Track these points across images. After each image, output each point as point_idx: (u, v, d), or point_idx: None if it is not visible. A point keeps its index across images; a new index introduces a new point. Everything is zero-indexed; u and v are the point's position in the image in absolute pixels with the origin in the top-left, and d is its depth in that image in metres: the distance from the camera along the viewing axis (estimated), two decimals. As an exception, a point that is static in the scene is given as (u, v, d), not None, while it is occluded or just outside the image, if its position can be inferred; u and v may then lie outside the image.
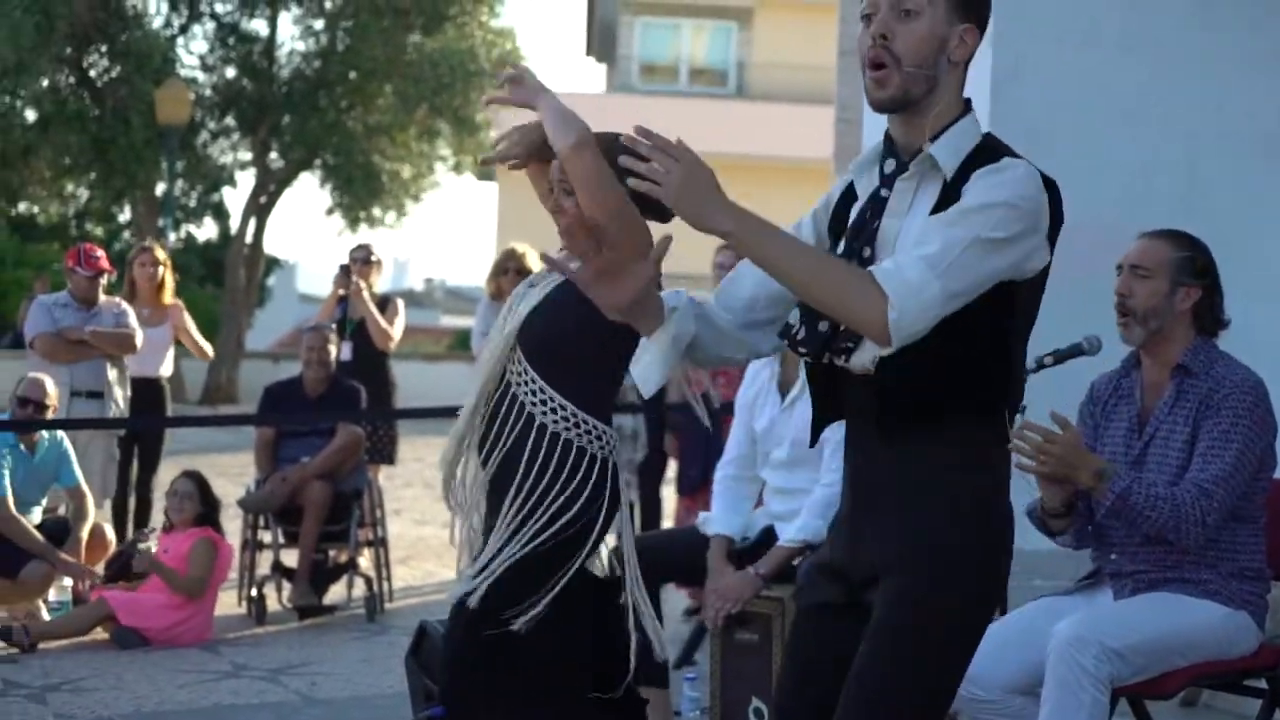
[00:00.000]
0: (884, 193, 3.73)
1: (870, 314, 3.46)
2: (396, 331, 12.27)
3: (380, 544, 10.63)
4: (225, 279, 30.10)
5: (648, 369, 3.93)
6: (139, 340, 10.89)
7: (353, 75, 28.18)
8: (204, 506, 9.77)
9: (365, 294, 12.11)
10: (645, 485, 10.77)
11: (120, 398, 10.85)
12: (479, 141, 28.78)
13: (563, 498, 4.86)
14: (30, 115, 27.69)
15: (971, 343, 3.63)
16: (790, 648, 3.99)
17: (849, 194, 3.89)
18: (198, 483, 9.88)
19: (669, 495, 11.13)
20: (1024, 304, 3.70)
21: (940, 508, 3.67)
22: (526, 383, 4.93)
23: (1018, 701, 5.25)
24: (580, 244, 3.77)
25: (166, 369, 11.69)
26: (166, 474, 10.96)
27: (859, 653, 3.69)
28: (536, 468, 4.89)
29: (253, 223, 29.97)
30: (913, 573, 3.67)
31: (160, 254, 11.85)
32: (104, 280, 10.92)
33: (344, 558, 10.56)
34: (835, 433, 5.71)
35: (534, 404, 4.92)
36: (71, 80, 27.80)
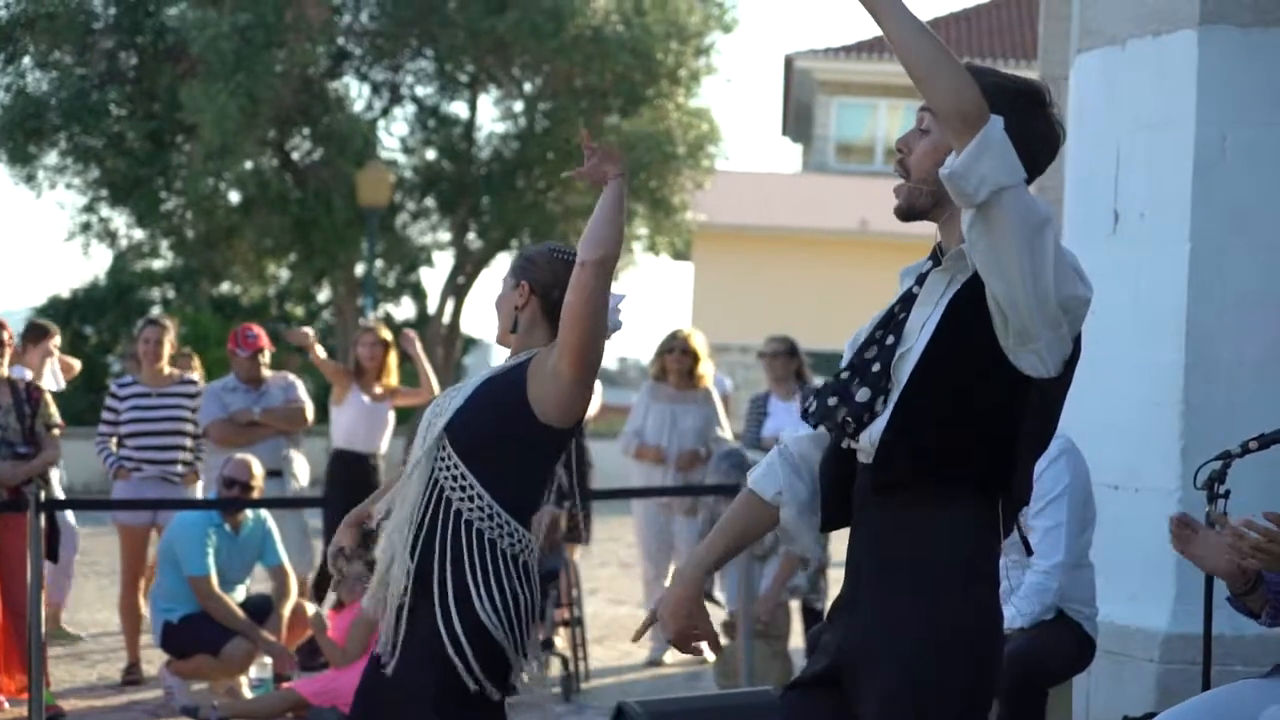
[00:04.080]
0: (915, 290, 3.94)
1: (960, 87, 3.60)
2: (591, 410, 12.26)
3: (576, 624, 10.59)
4: (422, 358, 30.32)
5: (807, 543, 4.21)
6: (309, 413, 11.07)
7: (551, 156, 28.36)
8: None
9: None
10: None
11: (301, 474, 10.99)
12: (675, 222, 28.85)
13: (481, 588, 4.96)
14: (234, 197, 28.15)
15: (968, 428, 3.78)
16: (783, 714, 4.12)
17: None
18: (370, 567, 9.89)
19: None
20: (1037, 405, 3.83)
21: (918, 593, 3.79)
22: (450, 468, 5.02)
23: None
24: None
25: (383, 446, 11.86)
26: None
27: None
28: (454, 556, 5.00)
29: (450, 303, 30.23)
30: (892, 659, 3.78)
31: (385, 334, 12.00)
32: (264, 357, 11.05)
33: (540, 637, 10.51)
34: (1043, 519, 5.65)
35: (454, 490, 5.01)
36: (275, 163, 28.25)
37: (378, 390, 11.78)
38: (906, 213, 3.95)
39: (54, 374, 11.33)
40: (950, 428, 3.79)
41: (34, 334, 11.54)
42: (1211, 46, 7.57)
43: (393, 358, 11.92)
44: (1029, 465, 3.91)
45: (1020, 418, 3.82)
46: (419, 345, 12.14)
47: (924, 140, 3.87)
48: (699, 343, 11.47)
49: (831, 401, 3.96)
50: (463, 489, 4.98)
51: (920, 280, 3.98)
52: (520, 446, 5.02)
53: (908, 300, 3.97)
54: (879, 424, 3.85)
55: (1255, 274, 7.60)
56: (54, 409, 9.54)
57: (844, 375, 3.99)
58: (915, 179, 3.89)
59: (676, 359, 11.37)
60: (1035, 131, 3.85)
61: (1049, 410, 3.89)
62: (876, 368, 3.90)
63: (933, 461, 3.80)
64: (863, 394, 3.89)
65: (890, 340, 3.91)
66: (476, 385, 5.12)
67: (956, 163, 3.60)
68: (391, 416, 11.95)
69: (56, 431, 9.51)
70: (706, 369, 11.54)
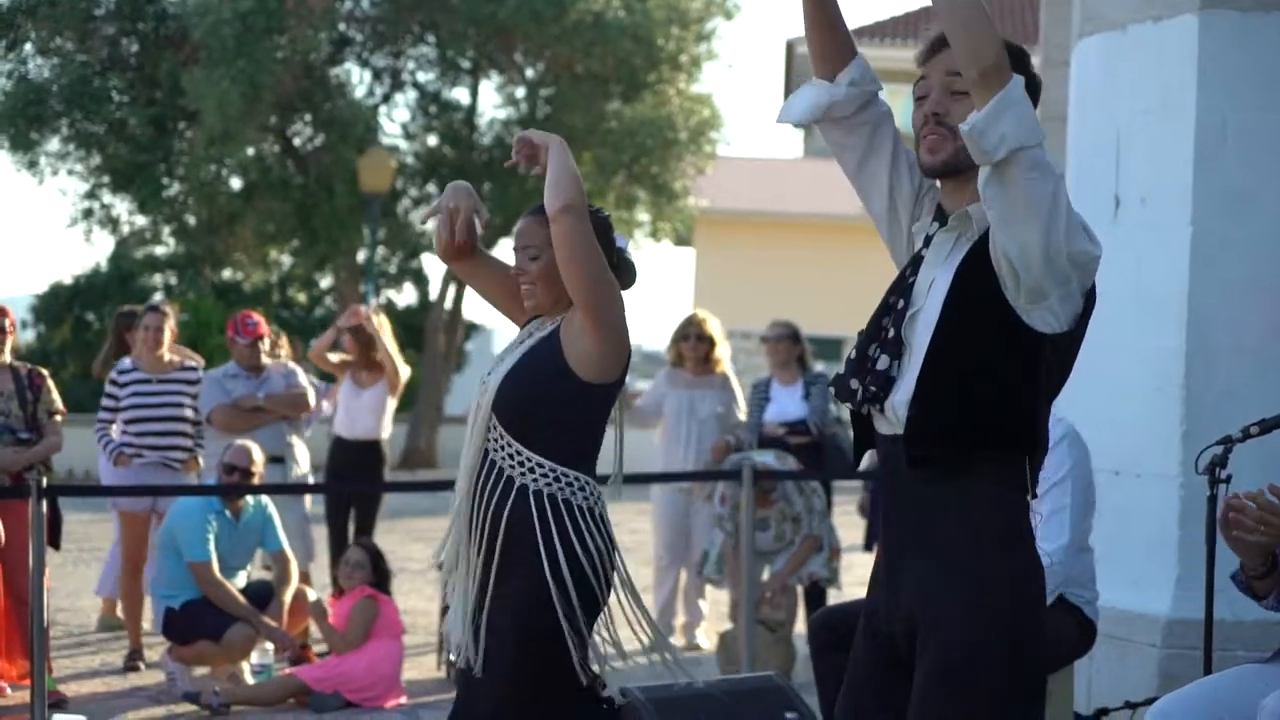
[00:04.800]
0: (923, 252, 4.01)
1: (984, 43, 3.75)
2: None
3: (579, 609, 10.54)
4: (424, 345, 30.36)
5: (801, 99, 4.43)
6: (312, 399, 11.12)
7: (552, 143, 28.33)
8: (374, 576, 9.75)
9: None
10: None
11: (302, 460, 11.01)
12: (677, 208, 28.85)
13: (559, 551, 4.95)
14: (236, 183, 28.16)
15: (993, 395, 3.83)
16: (844, 701, 4.14)
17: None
18: (370, 554, 9.89)
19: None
20: (1050, 361, 3.89)
21: (962, 559, 3.84)
22: (503, 447, 5.01)
23: None
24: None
25: (384, 431, 11.88)
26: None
27: (910, 712, 3.88)
28: (525, 527, 4.95)
29: (452, 289, 30.23)
30: (945, 626, 3.83)
31: (374, 319, 11.95)
32: (264, 344, 11.06)
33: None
34: (1047, 503, 5.64)
35: (512, 467, 4.99)
36: (276, 149, 28.26)
37: (363, 376, 11.83)
38: (944, 168, 3.96)
39: None
40: (975, 393, 3.85)
41: (126, 321, 11.56)
42: (1211, 31, 7.57)
43: (380, 341, 11.82)
44: (1045, 416, 3.97)
45: (1036, 374, 3.88)
46: (375, 322, 12.02)
47: (965, 101, 3.86)
48: (714, 327, 11.50)
49: (854, 384, 4.02)
50: (520, 464, 4.98)
51: (927, 242, 4.04)
52: (568, 409, 5.03)
53: (915, 262, 4.03)
54: (902, 393, 3.91)
55: (1256, 259, 7.60)
56: (56, 395, 9.55)
57: (867, 350, 4.04)
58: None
59: (692, 345, 11.41)
60: (1034, 89, 3.95)
61: (1062, 362, 3.96)
62: (891, 333, 3.97)
63: (962, 429, 3.85)
64: (883, 362, 3.96)
65: (901, 304, 3.98)
66: (517, 359, 5.13)
67: (978, 119, 3.66)
68: (389, 401, 11.93)
69: (59, 418, 9.52)
70: (723, 353, 11.56)
